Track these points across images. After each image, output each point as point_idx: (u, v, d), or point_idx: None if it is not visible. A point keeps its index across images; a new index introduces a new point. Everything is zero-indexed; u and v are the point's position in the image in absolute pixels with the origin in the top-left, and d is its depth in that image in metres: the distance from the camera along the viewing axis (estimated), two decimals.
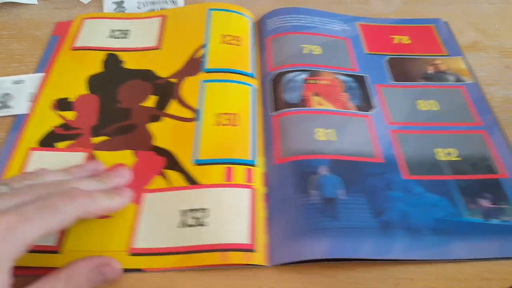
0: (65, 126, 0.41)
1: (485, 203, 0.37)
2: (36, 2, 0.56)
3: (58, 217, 0.28)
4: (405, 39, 0.52)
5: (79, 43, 0.49)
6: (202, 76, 0.45)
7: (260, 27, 0.53)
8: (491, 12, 0.57)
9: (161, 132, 0.41)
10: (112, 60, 0.48)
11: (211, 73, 0.45)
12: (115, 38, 0.50)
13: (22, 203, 0.28)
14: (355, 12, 0.56)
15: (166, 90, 0.44)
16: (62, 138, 0.41)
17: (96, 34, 0.50)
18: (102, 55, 0.48)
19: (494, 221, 0.36)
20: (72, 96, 0.44)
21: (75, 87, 0.45)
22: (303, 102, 0.43)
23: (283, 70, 0.46)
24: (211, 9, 0.51)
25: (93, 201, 0.31)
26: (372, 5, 0.57)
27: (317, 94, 0.44)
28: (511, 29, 0.54)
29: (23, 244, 0.26)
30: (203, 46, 0.48)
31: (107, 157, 0.39)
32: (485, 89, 0.47)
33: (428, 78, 0.47)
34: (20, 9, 0.55)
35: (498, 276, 0.33)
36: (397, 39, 0.52)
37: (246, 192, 0.37)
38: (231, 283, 0.33)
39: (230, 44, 0.48)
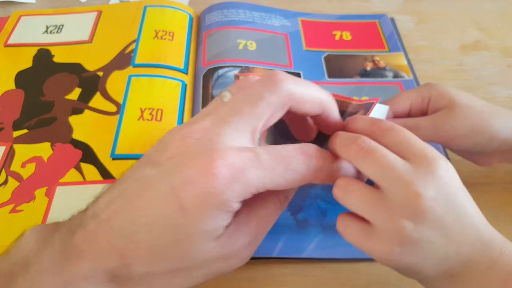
0: None
1: None
2: (34, 1, 0.54)
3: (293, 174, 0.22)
4: (347, 35, 0.51)
5: (13, 40, 0.48)
6: (130, 70, 0.44)
7: (200, 22, 0.52)
8: (494, 11, 0.56)
9: (82, 125, 0.40)
10: (42, 55, 0.46)
11: (140, 68, 0.44)
12: (49, 33, 0.49)
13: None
14: (357, 11, 0.54)
15: (91, 83, 0.43)
16: None
17: (31, 30, 0.49)
18: (34, 51, 0.47)
19: None
20: None
21: (3, 84, 0.44)
22: None
23: (215, 66, 0.45)
24: (147, 6, 0.50)
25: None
26: (373, 3, 0.56)
27: None
28: None
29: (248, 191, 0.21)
30: (135, 41, 0.47)
31: (24, 150, 0.38)
32: (487, 88, 0.46)
33: (365, 74, 0.46)
34: (18, 8, 0.53)
35: None
36: (338, 35, 0.51)
37: None
38: None
39: (163, 39, 0.47)
